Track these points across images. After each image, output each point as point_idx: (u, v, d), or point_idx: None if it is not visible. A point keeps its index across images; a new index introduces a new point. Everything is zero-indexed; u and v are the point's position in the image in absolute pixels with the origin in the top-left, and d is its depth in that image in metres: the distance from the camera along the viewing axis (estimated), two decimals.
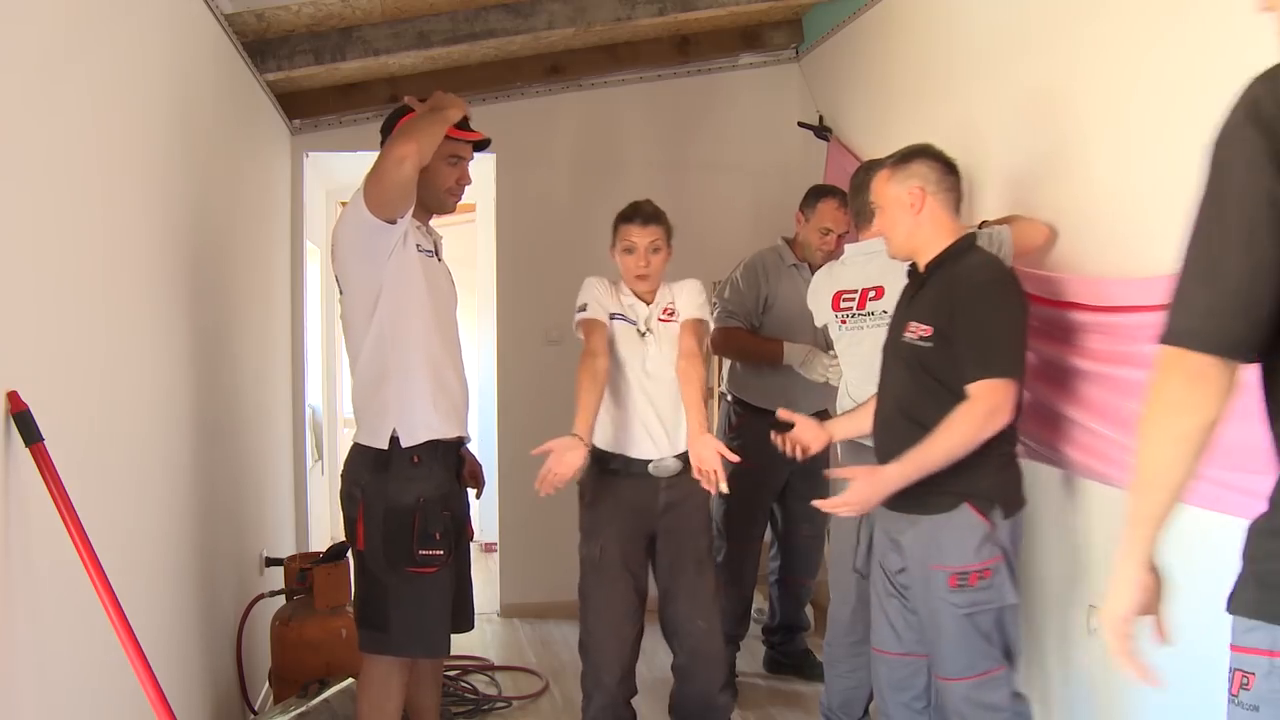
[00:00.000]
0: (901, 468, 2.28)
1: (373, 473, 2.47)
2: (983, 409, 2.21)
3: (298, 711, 2.78)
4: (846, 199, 3.62)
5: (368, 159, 2.53)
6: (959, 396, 2.25)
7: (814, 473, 3.14)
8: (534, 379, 4.65)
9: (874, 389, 2.74)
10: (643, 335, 2.82)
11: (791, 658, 3.86)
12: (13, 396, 1.51)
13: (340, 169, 5.32)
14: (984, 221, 2.83)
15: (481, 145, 2.66)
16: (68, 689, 1.72)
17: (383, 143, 2.55)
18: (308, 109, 4.41)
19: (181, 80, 2.62)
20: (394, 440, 2.46)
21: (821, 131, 4.33)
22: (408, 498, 2.45)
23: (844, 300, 2.97)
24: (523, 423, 4.63)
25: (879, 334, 2.79)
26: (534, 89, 4.61)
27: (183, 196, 2.58)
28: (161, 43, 2.44)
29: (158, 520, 2.30)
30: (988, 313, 2.26)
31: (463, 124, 2.57)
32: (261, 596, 3.29)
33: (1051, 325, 2.68)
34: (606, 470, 2.82)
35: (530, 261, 4.67)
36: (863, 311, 2.92)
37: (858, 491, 2.32)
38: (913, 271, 2.48)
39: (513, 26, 3.82)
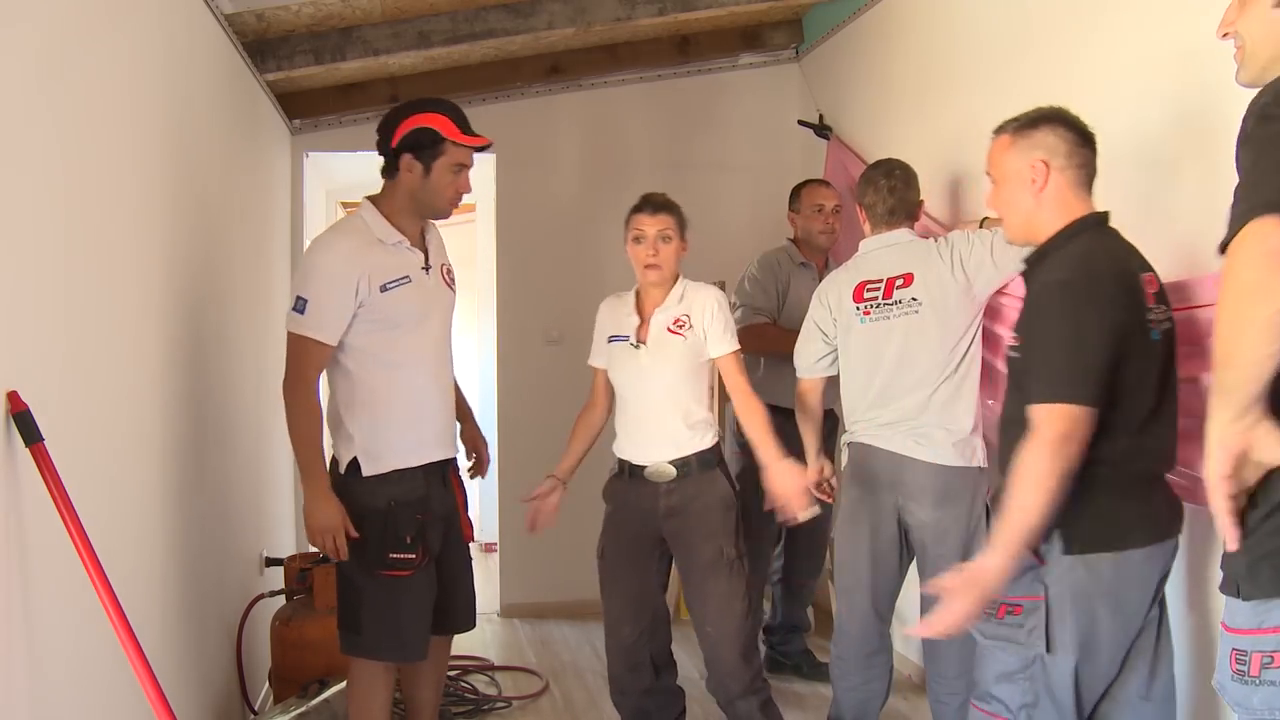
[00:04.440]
0: (996, 555, 1.84)
1: (345, 477, 2.48)
2: (1042, 439, 1.82)
3: (298, 711, 2.78)
4: (824, 183, 3.76)
5: (368, 159, 2.52)
6: None
7: None
8: (534, 379, 4.65)
9: (886, 384, 2.72)
10: (636, 348, 2.78)
11: (791, 658, 3.86)
12: (13, 396, 1.51)
13: (340, 169, 5.31)
14: (985, 219, 2.83)
15: (482, 148, 2.60)
16: (68, 689, 1.72)
17: (379, 143, 2.49)
18: (308, 109, 4.41)
19: (181, 80, 2.62)
20: (354, 465, 2.47)
21: (822, 130, 4.33)
22: (379, 501, 2.45)
23: (868, 290, 2.78)
24: (523, 423, 4.64)
25: (908, 322, 2.69)
26: (534, 89, 4.61)
27: (183, 196, 2.57)
28: (161, 43, 2.44)
29: (158, 520, 2.30)
30: (1051, 322, 1.89)
31: (465, 128, 2.50)
32: (261, 596, 3.29)
33: None
34: (617, 474, 2.87)
35: (530, 261, 4.67)
36: (889, 300, 2.74)
37: (954, 605, 1.86)
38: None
39: (513, 26, 3.82)
